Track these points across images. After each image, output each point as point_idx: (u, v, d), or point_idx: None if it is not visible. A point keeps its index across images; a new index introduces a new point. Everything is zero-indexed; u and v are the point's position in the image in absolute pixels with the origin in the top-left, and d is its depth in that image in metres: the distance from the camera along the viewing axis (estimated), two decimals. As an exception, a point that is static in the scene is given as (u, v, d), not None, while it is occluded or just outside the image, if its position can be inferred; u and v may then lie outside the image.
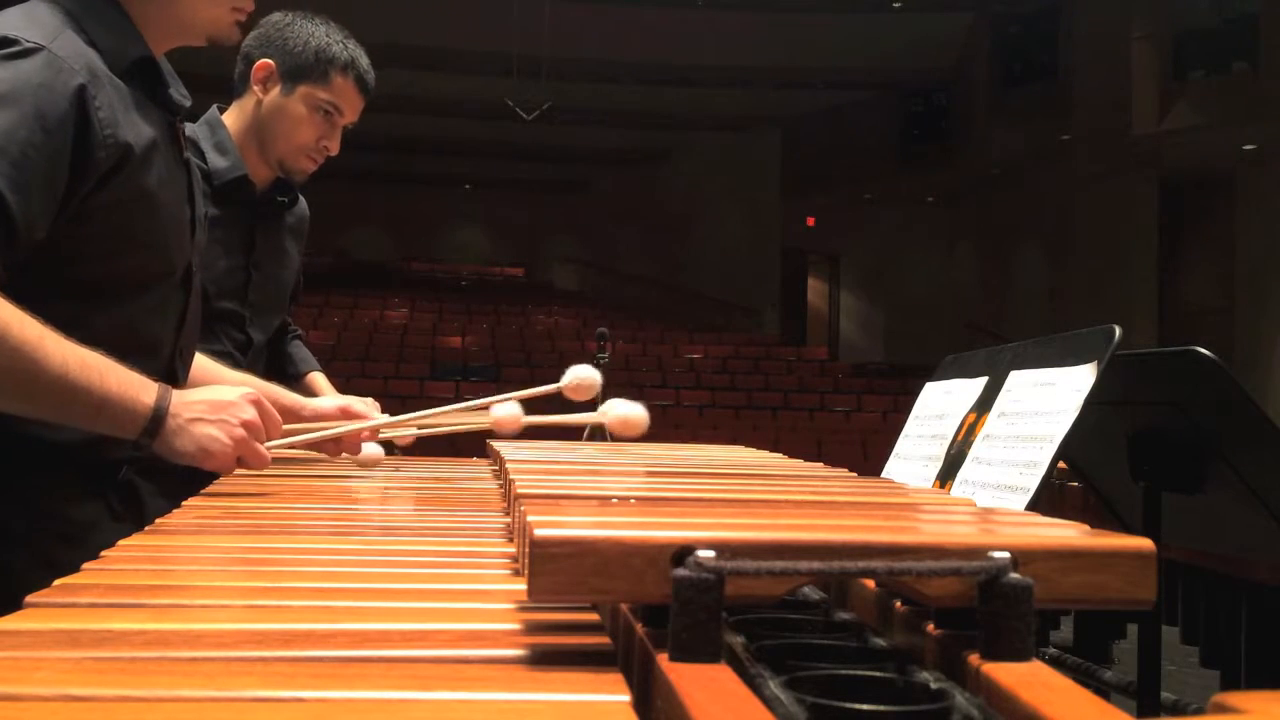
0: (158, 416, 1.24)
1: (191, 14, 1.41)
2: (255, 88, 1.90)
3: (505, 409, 1.59)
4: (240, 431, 1.29)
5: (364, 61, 1.94)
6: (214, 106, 1.97)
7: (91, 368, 1.19)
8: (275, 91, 1.89)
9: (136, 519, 1.37)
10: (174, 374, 1.49)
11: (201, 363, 1.65)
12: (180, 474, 1.56)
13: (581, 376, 1.58)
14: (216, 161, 1.89)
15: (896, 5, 14.99)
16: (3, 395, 1.17)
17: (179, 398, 1.28)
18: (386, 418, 1.68)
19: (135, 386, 1.24)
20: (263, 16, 1.92)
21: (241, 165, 1.91)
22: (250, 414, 1.30)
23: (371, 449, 1.58)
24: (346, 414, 1.68)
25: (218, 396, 1.31)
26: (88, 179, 1.25)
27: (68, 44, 1.27)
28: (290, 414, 1.72)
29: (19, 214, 1.18)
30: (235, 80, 1.95)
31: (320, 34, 1.89)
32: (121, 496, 1.42)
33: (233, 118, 1.95)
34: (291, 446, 1.61)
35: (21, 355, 1.13)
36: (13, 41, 1.23)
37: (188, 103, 1.52)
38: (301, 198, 2.12)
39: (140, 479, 1.47)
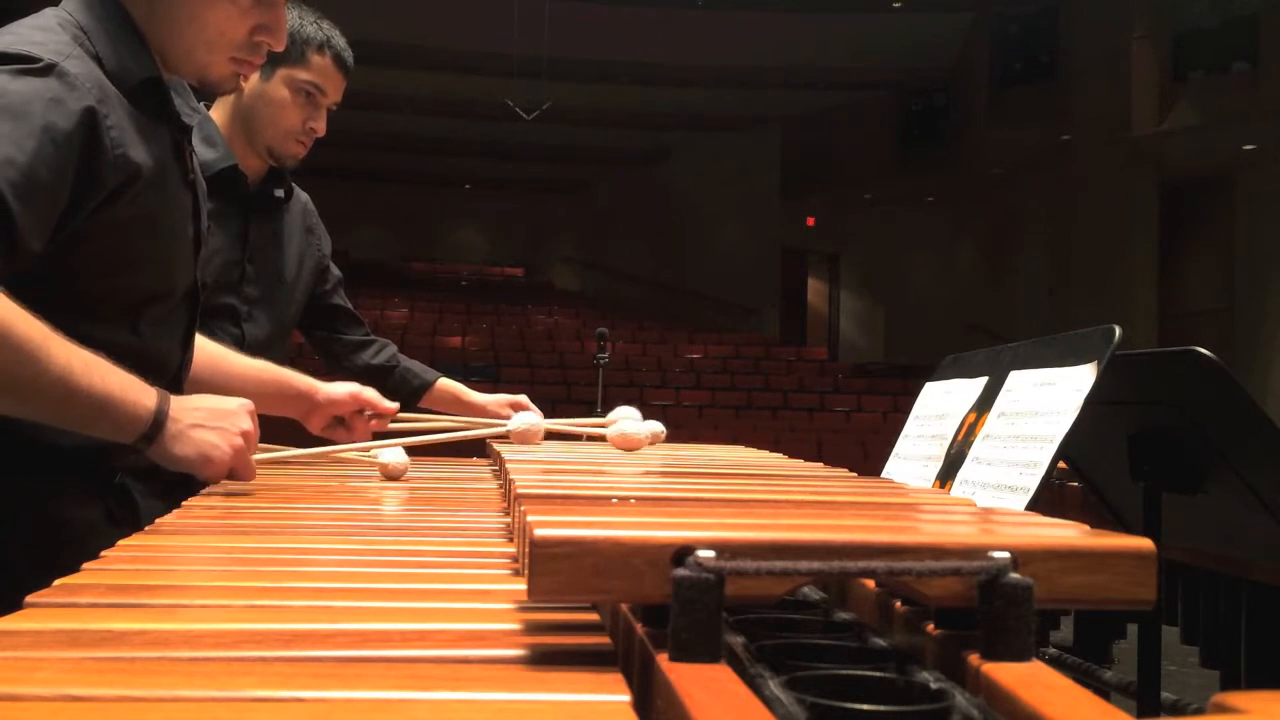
0: (158, 421, 1.24)
1: (185, 53, 1.38)
2: None
3: (525, 419, 1.59)
4: (239, 441, 1.30)
5: (340, 40, 1.94)
6: (200, 103, 1.97)
7: (93, 370, 1.19)
8: (255, 78, 1.90)
9: (132, 522, 1.37)
10: (179, 391, 1.49)
11: (210, 349, 1.66)
12: (174, 476, 1.57)
13: (629, 431, 1.62)
14: (205, 154, 1.89)
15: (896, 5, 14.99)
16: (4, 395, 1.16)
17: (178, 404, 1.28)
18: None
19: (136, 390, 1.23)
20: None
21: (231, 156, 1.92)
22: (249, 424, 1.32)
23: (397, 455, 1.59)
24: (356, 400, 1.71)
25: (218, 405, 1.32)
26: (95, 195, 1.25)
27: (79, 63, 1.26)
28: (304, 398, 1.74)
29: (21, 223, 1.17)
30: None
31: (293, 17, 1.90)
32: (118, 500, 1.42)
33: (218, 111, 1.95)
34: (286, 461, 1.63)
35: (25, 354, 1.12)
36: (28, 58, 1.22)
37: (197, 116, 1.51)
38: (298, 188, 2.12)
39: (134, 482, 1.47)
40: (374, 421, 1.73)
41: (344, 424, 1.74)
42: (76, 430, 1.22)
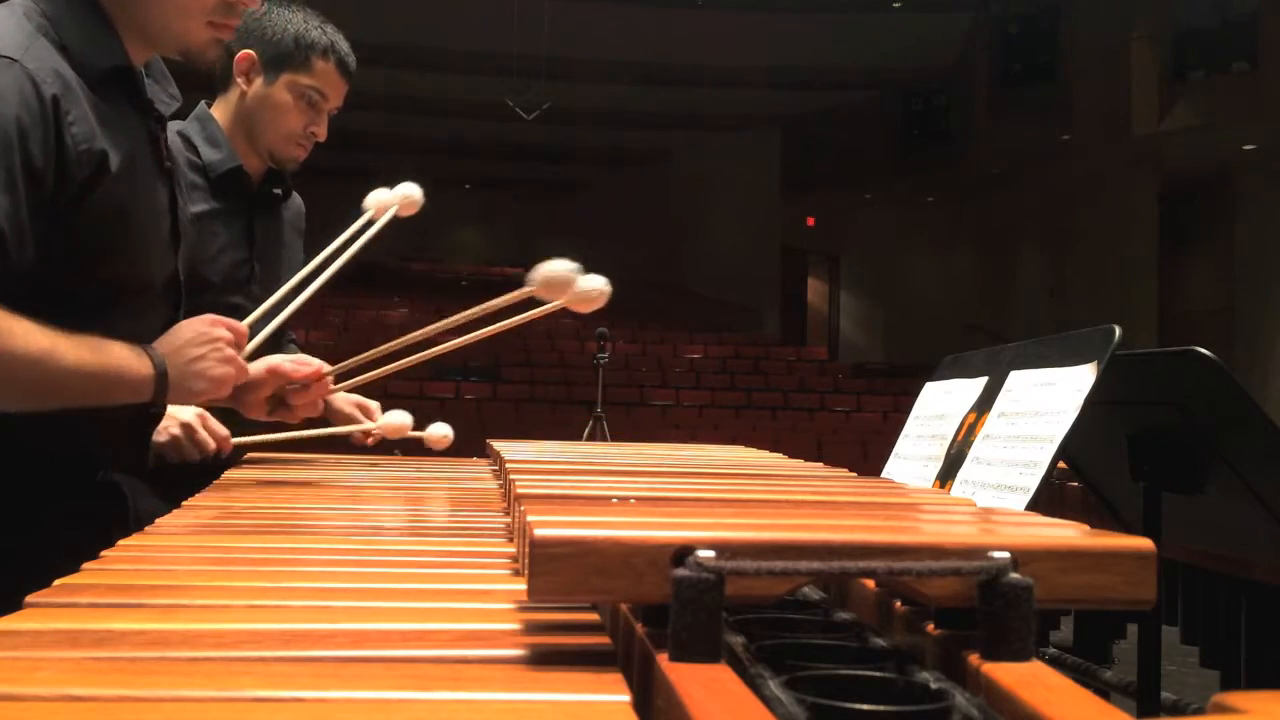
0: (161, 372, 1.30)
1: (161, 25, 1.36)
2: (238, 80, 1.91)
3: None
4: (230, 351, 1.37)
5: (344, 45, 1.94)
6: (202, 102, 1.97)
7: (97, 350, 1.24)
8: (259, 82, 1.90)
9: (122, 523, 1.36)
10: None
11: None
12: (174, 473, 1.56)
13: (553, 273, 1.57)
14: (210, 155, 1.89)
15: (896, 5, 14.98)
16: (33, 400, 1.22)
17: (163, 348, 1.33)
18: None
19: (132, 353, 1.29)
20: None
21: (235, 157, 1.92)
22: (223, 332, 1.37)
23: (399, 417, 1.61)
24: (275, 373, 1.58)
25: (190, 333, 1.36)
26: (64, 193, 1.24)
27: (40, 54, 1.24)
28: None
29: (12, 239, 1.18)
30: (217, 75, 1.95)
31: (298, 21, 1.90)
32: (110, 499, 1.41)
33: (220, 111, 1.95)
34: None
35: (42, 364, 1.17)
36: None
37: (175, 104, 1.48)
38: (295, 192, 2.12)
39: (134, 481, 1.46)
40: (311, 391, 1.62)
41: (283, 403, 1.63)
42: (101, 404, 1.27)
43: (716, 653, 0.52)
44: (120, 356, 1.27)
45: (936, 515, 0.85)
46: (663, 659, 0.52)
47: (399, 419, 1.74)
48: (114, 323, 1.35)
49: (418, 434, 1.82)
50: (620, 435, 7.79)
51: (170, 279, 1.46)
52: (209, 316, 1.39)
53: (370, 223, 1.78)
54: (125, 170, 1.31)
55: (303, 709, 0.50)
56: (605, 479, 1.12)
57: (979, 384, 1.49)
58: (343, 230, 1.80)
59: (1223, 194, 14.17)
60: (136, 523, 1.29)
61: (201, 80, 1.96)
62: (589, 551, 0.55)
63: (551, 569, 0.55)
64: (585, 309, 1.60)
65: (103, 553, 0.86)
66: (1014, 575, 0.54)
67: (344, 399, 2.12)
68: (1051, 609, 0.58)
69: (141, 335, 1.41)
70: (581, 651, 0.59)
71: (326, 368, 1.62)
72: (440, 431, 1.75)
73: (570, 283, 1.54)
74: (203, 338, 1.36)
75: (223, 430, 1.67)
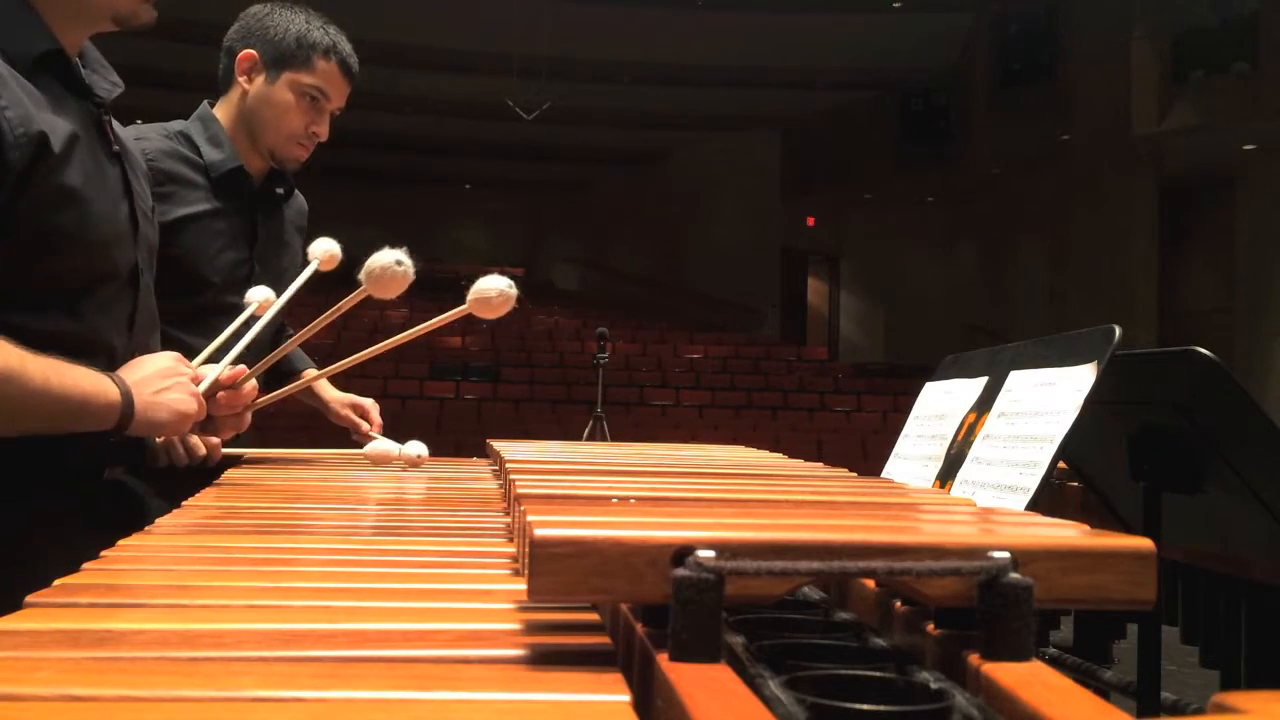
0: (127, 400, 1.29)
1: None
2: (240, 79, 1.92)
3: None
4: (194, 387, 1.38)
5: (346, 46, 1.95)
6: (204, 102, 1.97)
7: (64, 373, 1.21)
8: (260, 81, 1.91)
9: (121, 522, 1.36)
10: None
11: None
12: (174, 473, 1.56)
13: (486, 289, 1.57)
14: (212, 155, 1.89)
15: (896, 5, 14.98)
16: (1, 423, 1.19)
17: (130, 379, 1.32)
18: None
19: (99, 380, 1.28)
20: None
21: (237, 156, 1.92)
22: (188, 369, 1.39)
23: (383, 445, 1.61)
24: (233, 378, 1.58)
25: (156, 366, 1.36)
26: (6, 182, 1.21)
27: None
28: None
29: None
30: (220, 75, 1.96)
31: (300, 21, 1.91)
32: (105, 497, 1.41)
33: (222, 111, 1.96)
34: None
35: (12, 383, 1.15)
36: None
37: (117, 90, 1.45)
38: (297, 191, 2.12)
39: (135, 480, 1.46)
40: (232, 399, 1.57)
41: (211, 420, 1.59)
42: (66, 430, 1.24)
43: (716, 653, 0.52)
44: (86, 379, 1.25)
45: (936, 515, 0.85)
46: (663, 659, 0.52)
47: (385, 446, 1.75)
48: (84, 315, 1.34)
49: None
50: (620, 435, 7.79)
51: (132, 271, 1.43)
52: (174, 354, 1.39)
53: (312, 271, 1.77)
54: (69, 151, 1.28)
55: (303, 709, 0.50)
56: (605, 479, 1.12)
57: (979, 384, 1.49)
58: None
59: (1223, 194, 14.17)
60: (137, 523, 1.29)
61: (205, 82, 1.96)
62: (589, 551, 0.55)
63: (551, 569, 0.55)
64: (490, 315, 1.59)
65: (103, 553, 0.86)
66: (1014, 575, 0.54)
67: (340, 400, 2.13)
68: (1051, 609, 0.58)
69: (111, 328, 1.39)
70: (581, 651, 0.59)
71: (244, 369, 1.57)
72: (415, 450, 1.77)
73: (398, 276, 1.59)
74: (170, 371, 1.36)
75: (214, 438, 1.67)
